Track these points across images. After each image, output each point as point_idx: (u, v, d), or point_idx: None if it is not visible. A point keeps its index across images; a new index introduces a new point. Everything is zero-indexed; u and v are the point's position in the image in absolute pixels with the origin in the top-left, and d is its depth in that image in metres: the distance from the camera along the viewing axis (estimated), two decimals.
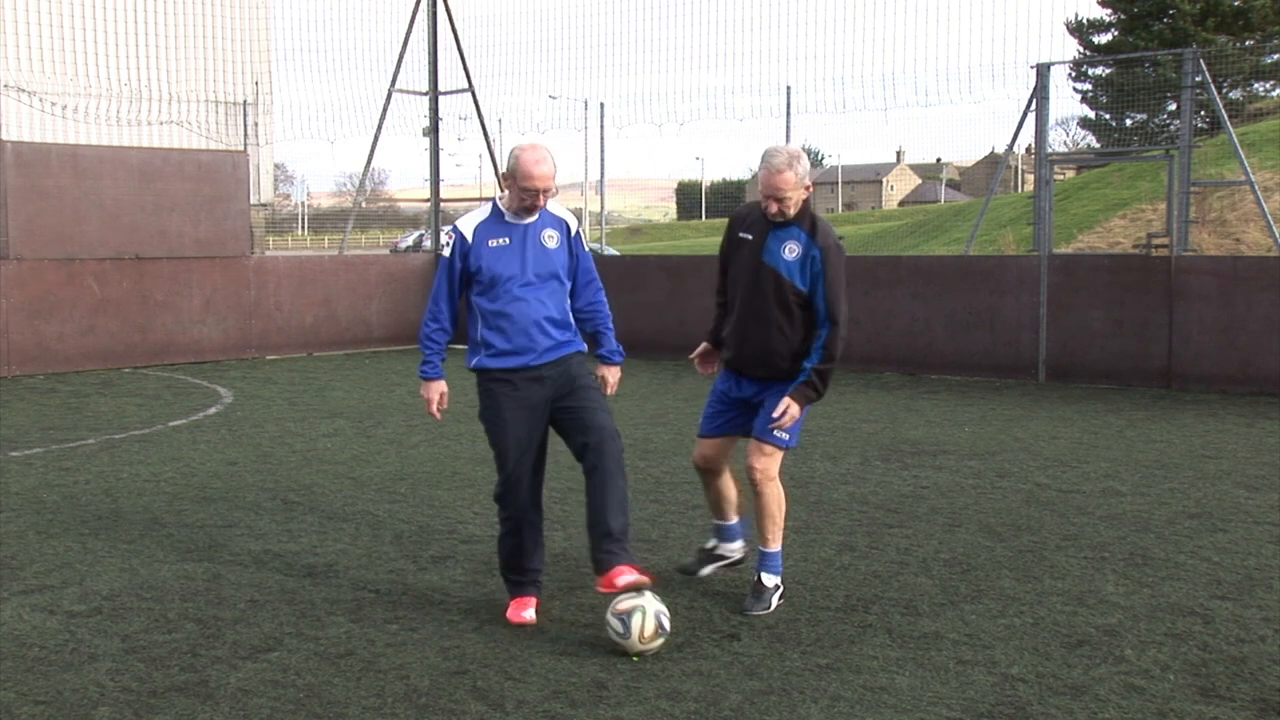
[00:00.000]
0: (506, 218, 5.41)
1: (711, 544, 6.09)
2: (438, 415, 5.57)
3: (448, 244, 5.42)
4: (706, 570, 6.04)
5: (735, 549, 6.03)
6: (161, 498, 7.93)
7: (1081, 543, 6.72)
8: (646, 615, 4.92)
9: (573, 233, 5.52)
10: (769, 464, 5.59)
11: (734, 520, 6.01)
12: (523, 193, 5.31)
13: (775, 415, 5.51)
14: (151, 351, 15.84)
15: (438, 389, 5.50)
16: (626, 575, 5.12)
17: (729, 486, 5.94)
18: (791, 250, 5.51)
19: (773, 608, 5.53)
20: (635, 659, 4.90)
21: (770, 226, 5.57)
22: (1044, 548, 6.62)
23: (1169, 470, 8.79)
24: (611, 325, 5.65)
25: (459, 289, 5.41)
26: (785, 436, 5.60)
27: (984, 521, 7.22)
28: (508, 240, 5.37)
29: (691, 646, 5.04)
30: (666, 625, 4.99)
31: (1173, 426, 10.77)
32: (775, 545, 5.63)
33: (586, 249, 5.61)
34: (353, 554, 6.52)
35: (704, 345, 5.96)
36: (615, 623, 4.96)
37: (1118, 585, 5.91)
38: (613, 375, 5.61)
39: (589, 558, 5.41)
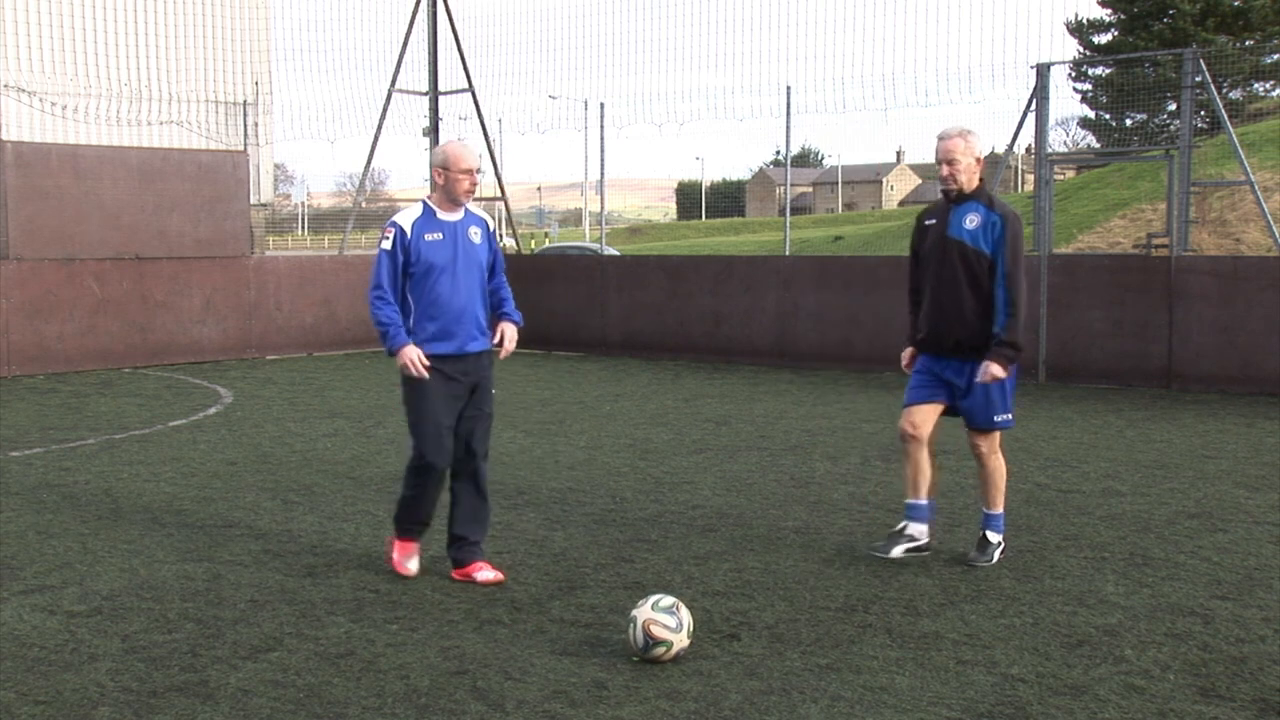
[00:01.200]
0: (438, 215, 6.01)
1: (901, 525, 6.47)
2: (425, 372, 5.85)
3: (388, 238, 5.93)
4: (896, 551, 6.38)
5: (923, 532, 6.43)
6: (161, 498, 7.93)
7: (1081, 543, 6.72)
8: (635, 625, 4.87)
9: (491, 229, 6.20)
10: (992, 441, 6.29)
11: (925, 500, 6.43)
12: (459, 177, 5.94)
13: (978, 379, 6.09)
14: (151, 351, 15.84)
15: (411, 351, 5.85)
16: (485, 571, 5.99)
17: (927, 462, 6.41)
18: (972, 220, 6.15)
19: (994, 560, 6.23)
20: (634, 659, 4.89)
21: (950, 207, 6.23)
22: (1044, 548, 6.62)
23: (1169, 470, 8.79)
24: (514, 306, 6.22)
25: (399, 277, 5.93)
26: (1005, 418, 6.23)
27: None
28: (441, 235, 5.97)
29: (691, 646, 5.04)
30: (663, 633, 4.83)
31: (1173, 426, 10.77)
32: (998, 508, 6.34)
33: (498, 244, 6.27)
34: (353, 554, 6.52)
35: (909, 349, 6.50)
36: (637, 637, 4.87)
37: (1118, 585, 5.91)
38: (511, 332, 6.11)
39: (446, 553, 6.11)
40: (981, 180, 6.23)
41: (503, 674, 4.76)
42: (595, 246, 27.80)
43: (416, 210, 6.03)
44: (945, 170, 6.16)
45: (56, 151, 15.62)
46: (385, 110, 19.02)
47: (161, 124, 21.53)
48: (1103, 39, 44.15)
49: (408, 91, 19.33)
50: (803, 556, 6.45)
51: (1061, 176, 31.79)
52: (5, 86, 19.87)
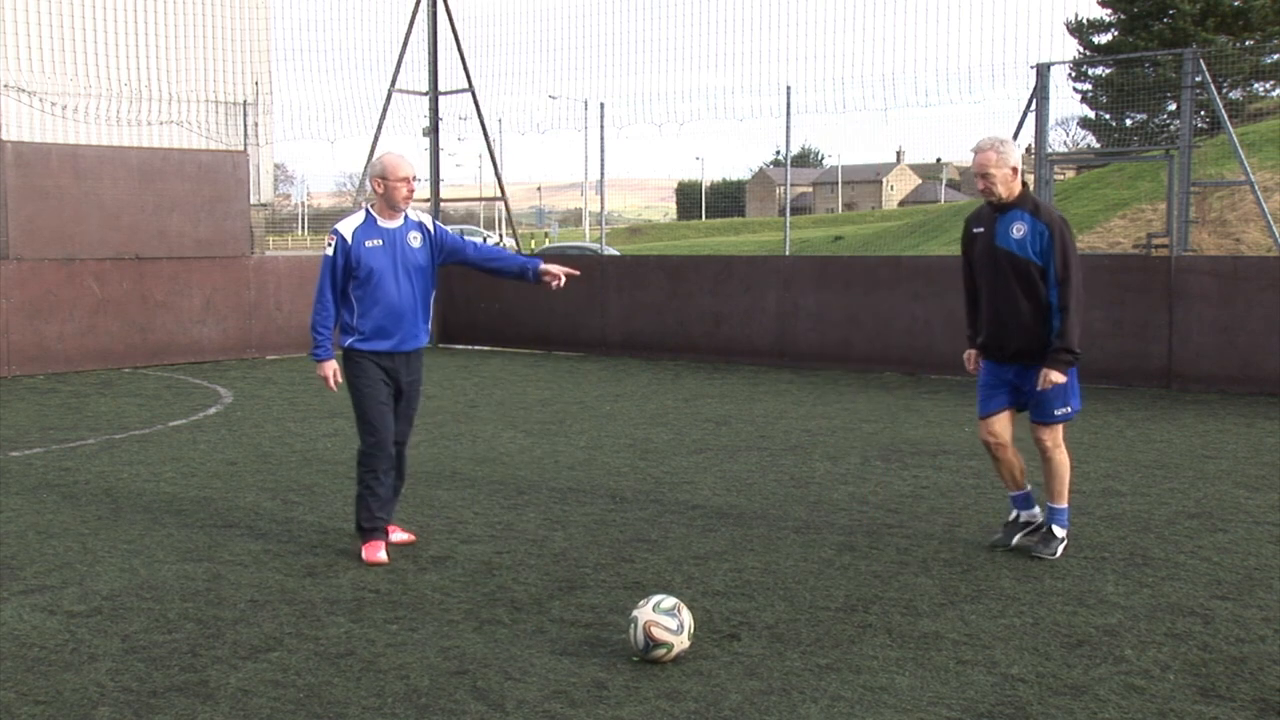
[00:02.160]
0: (379, 223, 6.41)
1: (1013, 514, 6.62)
2: (334, 387, 6.54)
3: (330, 244, 6.37)
4: (1016, 539, 6.52)
5: (1036, 514, 6.58)
6: (161, 498, 7.93)
7: (1081, 543, 6.72)
8: (636, 625, 4.86)
9: (432, 229, 6.55)
10: (1055, 435, 6.39)
11: (1028, 488, 6.60)
12: (396, 185, 6.33)
13: (1039, 389, 6.21)
14: (151, 351, 15.84)
15: (331, 366, 6.50)
16: (396, 533, 6.70)
17: (1015, 458, 6.53)
18: (1019, 230, 6.18)
19: (1058, 554, 6.34)
20: (634, 659, 4.89)
21: (996, 215, 6.27)
22: None
23: (1169, 470, 8.79)
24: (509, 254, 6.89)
25: (341, 283, 6.38)
26: (1065, 411, 6.31)
27: (984, 521, 7.21)
28: (380, 241, 6.37)
29: (692, 647, 5.04)
30: (664, 635, 4.82)
31: (1173, 426, 10.77)
32: (1063, 502, 6.45)
33: (445, 230, 6.65)
34: (353, 554, 6.52)
35: (972, 351, 6.62)
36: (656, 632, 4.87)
37: (1118, 585, 5.91)
38: (555, 266, 6.61)
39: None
40: (1025, 185, 6.27)
41: (503, 674, 4.76)
42: (595, 246, 27.81)
43: (359, 218, 6.44)
44: (982, 184, 6.23)
45: (56, 151, 15.61)
46: (385, 110, 19.03)
47: (161, 124, 21.54)
48: (1103, 39, 44.16)
49: (408, 91, 19.33)
50: (803, 556, 6.45)
51: (1061, 176, 31.77)
52: (5, 86, 19.88)
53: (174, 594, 5.81)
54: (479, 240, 6.71)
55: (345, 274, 6.36)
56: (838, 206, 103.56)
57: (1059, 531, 6.42)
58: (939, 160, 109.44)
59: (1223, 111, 14.54)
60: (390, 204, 6.39)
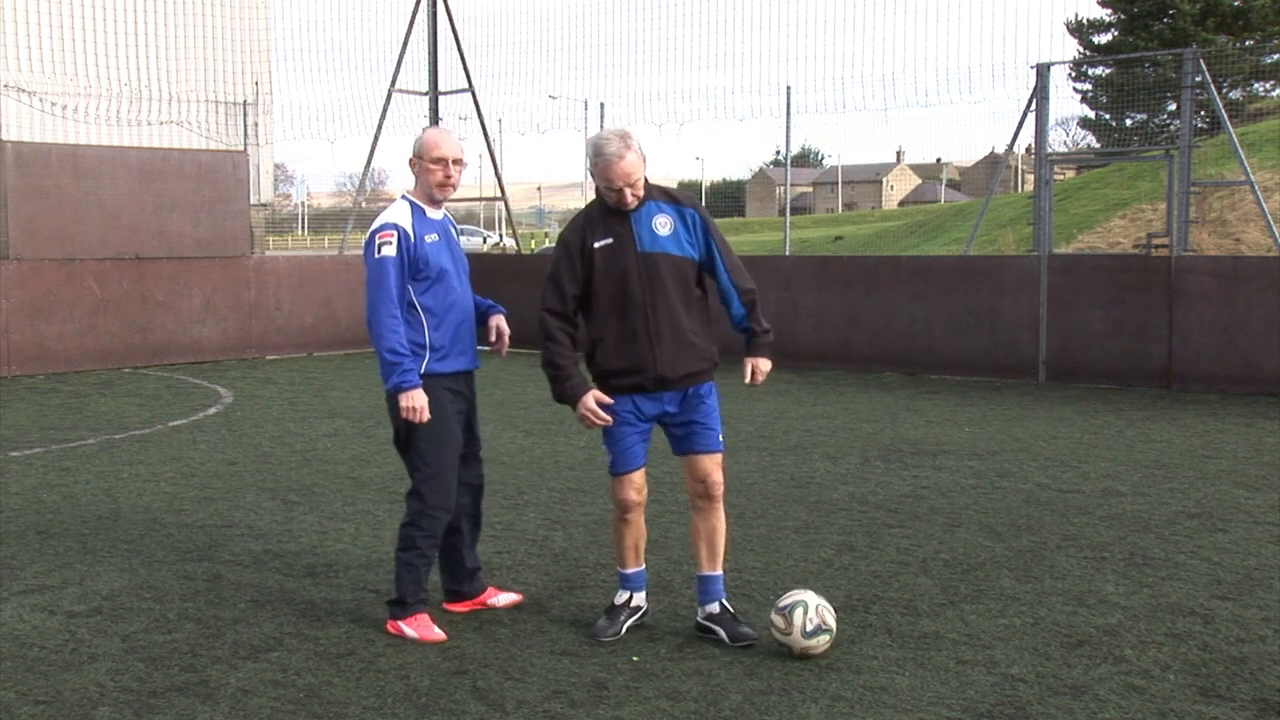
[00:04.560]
0: (427, 213, 5.29)
1: (625, 596, 5.33)
2: (425, 419, 5.19)
3: (389, 241, 5.11)
4: (626, 627, 5.26)
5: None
6: (161, 498, 7.93)
7: (1081, 543, 6.72)
8: (808, 608, 4.90)
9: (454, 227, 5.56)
10: (721, 469, 5.31)
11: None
12: (431, 167, 5.20)
13: (749, 382, 5.36)
14: (151, 351, 15.84)
15: (423, 397, 5.15)
16: (502, 595, 5.65)
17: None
18: (664, 224, 5.07)
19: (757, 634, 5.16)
20: (634, 659, 4.89)
21: (626, 217, 5.07)
22: (1044, 548, 6.62)
23: (1169, 470, 8.79)
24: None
25: (400, 290, 5.15)
26: (721, 436, 5.32)
27: (984, 521, 7.22)
28: (437, 236, 5.28)
29: (691, 646, 5.04)
30: (830, 621, 4.93)
31: (1173, 426, 10.77)
32: (720, 567, 5.28)
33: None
34: (353, 554, 6.52)
35: (589, 393, 5.24)
36: (777, 619, 4.92)
37: (1118, 585, 5.91)
38: (505, 326, 5.58)
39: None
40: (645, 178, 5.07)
41: (503, 674, 4.76)
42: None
43: (404, 207, 5.25)
44: (629, 196, 4.99)
45: (56, 151, 15.61)
46: (385, 110, 19.03)
47: (161, 124, 21.53)
48: (1103, 39, 44.13)
49: (408, 91, 19.33)
50: (803, 556, 6.45)
51: (1061, 176, 31.76)
52: (5, 86, 19.88)
53: (174, 594, 5.81)
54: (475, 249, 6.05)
55: (406, 277, 5.15)
56: (838, 206, 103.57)
57: (728, 605, 5.20)
58: (939, 160, 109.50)
59: (1223, 111, 14.54)
60: (426, 191, 5.26)
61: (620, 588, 5.31)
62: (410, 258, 5.13)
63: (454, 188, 5.30)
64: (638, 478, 5.23)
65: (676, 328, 5.09)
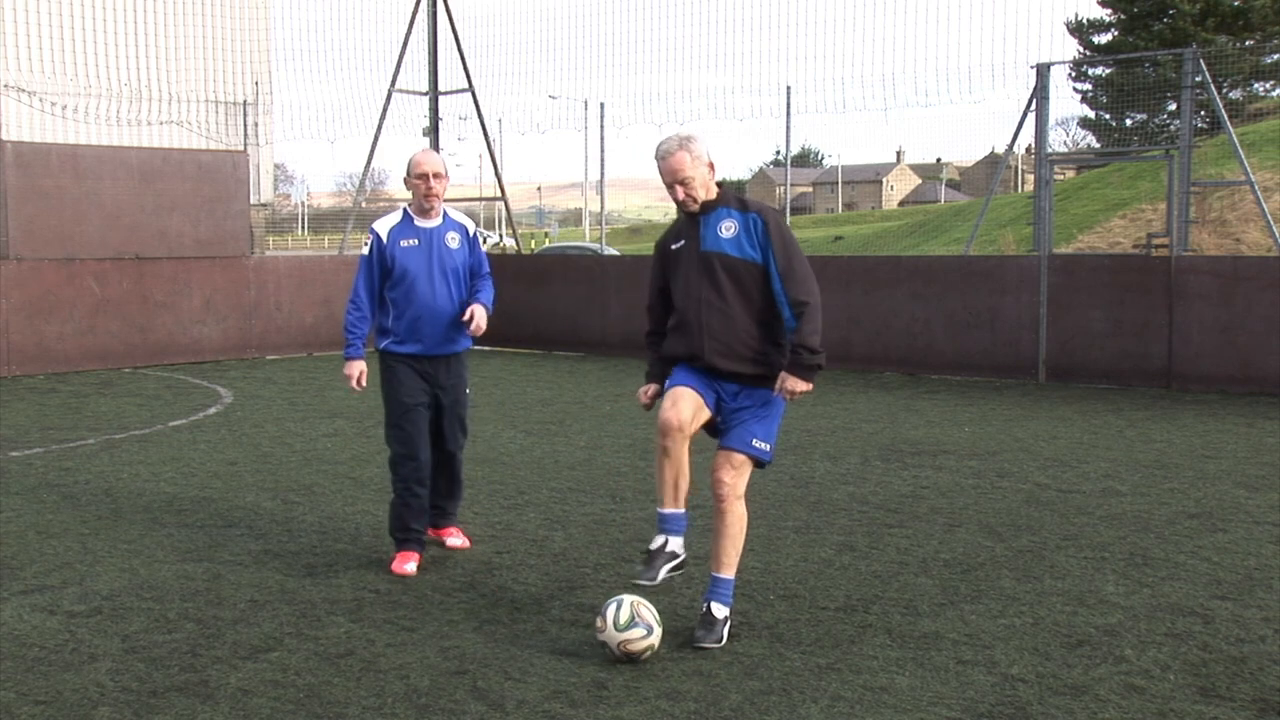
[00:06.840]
0: (416, 222, 6.31)
1: (661, 540, 5.27)
2: (358, 389, 6.38)
3: (367, 244, 6.30)
4: (664, 573, 5.22)
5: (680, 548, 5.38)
6: (161, 498, 7.93)
7: (1081, 543, 6.72)
8: (623, 604, 4.86)
9: (471, 233, 6.46)
10: (742, 475, 5.21)
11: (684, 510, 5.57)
12: (415, 182, 6.23)
13: (778, 393, 5.17)
14: (151, 351, 15.84)
15: (358, 367, 6.33)
16: (454, 538, 6.63)
17: (688, 464, 5.32)
18: (729, 228, 5.16)
19: (724, 640, 5.13)
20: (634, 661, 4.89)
21: (698, 220, 5.23)
22: (1044, 548, 6.62)
23: (1169, 470, 8.79)
24: (490, 296, 6.45)
25: (378, 283, 6.29)
26: (763, 447, 5.22)
27: (984, 521, 7.22)
28: (417, 241, 6.26)
29: (692, 646, 5.04)
30: (652, 621, 4.84)
31: (1173, 426, 10.77)
32: (732, 572, 5.24)
33: (483, 248, 6.55)
34: (353, 554, 6.52)
35: (649, 385, 5.50)
36: (596, 621, 4.92)
37: (1118, 585, 5.91)
38: (480, 312, 6.28)
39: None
40: (720, 185, 5.29)
41: (503, 674, 4.76)
42: (595, 246, 27.79)
43: (396, 217, 6.34)
44: (680, 193, 5.19)
45: (56, 151, 15.61)
46: (385, 110, 19.02)
47: (161, 124, 21.53)
48: (1103, 39, 44.14)
49: (408, 91, 19.33)
50: (803, 556, 6.45)
51: (1061, 176, 31.79)
52: (5, 86, 19.88)
53: (174, 594, 5.81)
54: (485, 267, 6.47)
55: (382, 274, 6.26)
56: (838, 206, 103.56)
57: (720, 611, 5.13)
58: (939, 160, 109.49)
59: (1223, 111, 14.54)
60: (417, 202, 6.30)
61: (658, 529, 5.20)
62: (379, 258, 6.25)
63: (438, 197, 6.28)
64: (682, 399, 5.09)
65: (729, 325, 5.15)
